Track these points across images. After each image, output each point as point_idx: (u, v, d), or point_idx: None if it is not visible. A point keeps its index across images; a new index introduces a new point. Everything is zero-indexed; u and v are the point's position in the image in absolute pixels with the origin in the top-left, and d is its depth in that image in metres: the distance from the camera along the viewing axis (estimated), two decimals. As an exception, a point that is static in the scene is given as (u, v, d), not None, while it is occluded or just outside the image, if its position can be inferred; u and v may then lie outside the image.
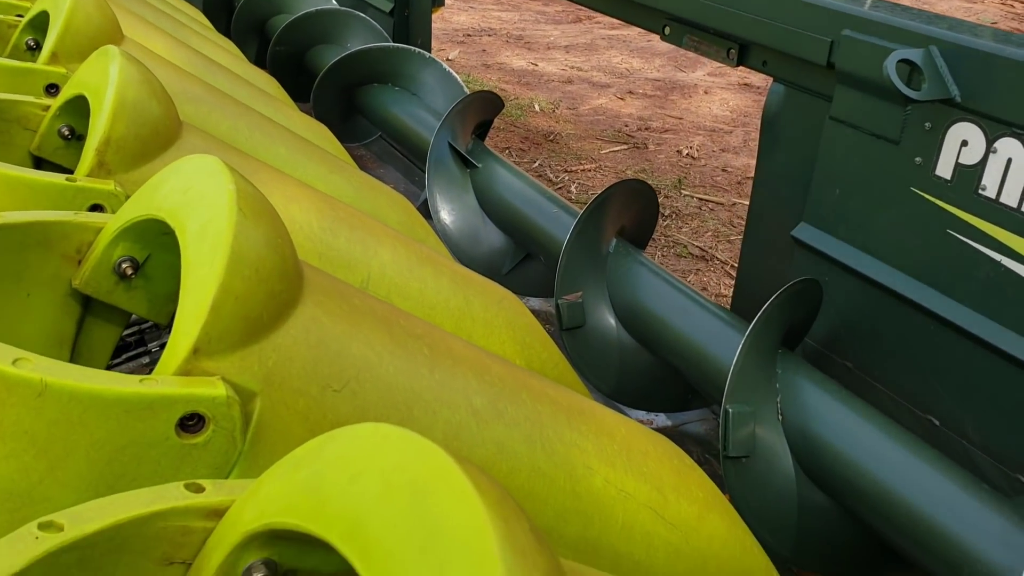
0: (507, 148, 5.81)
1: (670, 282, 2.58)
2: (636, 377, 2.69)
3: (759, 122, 2.62)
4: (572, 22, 9.09)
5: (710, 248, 4.79)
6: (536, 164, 5.63)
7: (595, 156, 5.86)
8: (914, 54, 1.97)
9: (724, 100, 7.01)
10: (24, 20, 1.97)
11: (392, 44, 4.09)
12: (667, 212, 5.11)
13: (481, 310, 1.77)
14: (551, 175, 5.49)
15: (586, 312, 2.63)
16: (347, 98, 4.04)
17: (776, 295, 2.04)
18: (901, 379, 2.15)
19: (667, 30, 2.82)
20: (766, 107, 2.59)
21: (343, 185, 2.16)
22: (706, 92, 7.18)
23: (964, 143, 1.96)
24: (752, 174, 2.81)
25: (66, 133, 1.56)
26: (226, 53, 3.20)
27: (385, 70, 3.93)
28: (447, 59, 7.70)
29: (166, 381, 0.87)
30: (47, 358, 0.84)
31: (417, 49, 3.99)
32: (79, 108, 1.52)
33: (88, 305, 1.19)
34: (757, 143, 2.64)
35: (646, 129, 6.38)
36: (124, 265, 1.12)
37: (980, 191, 1.93)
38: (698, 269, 4.62)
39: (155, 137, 1.45)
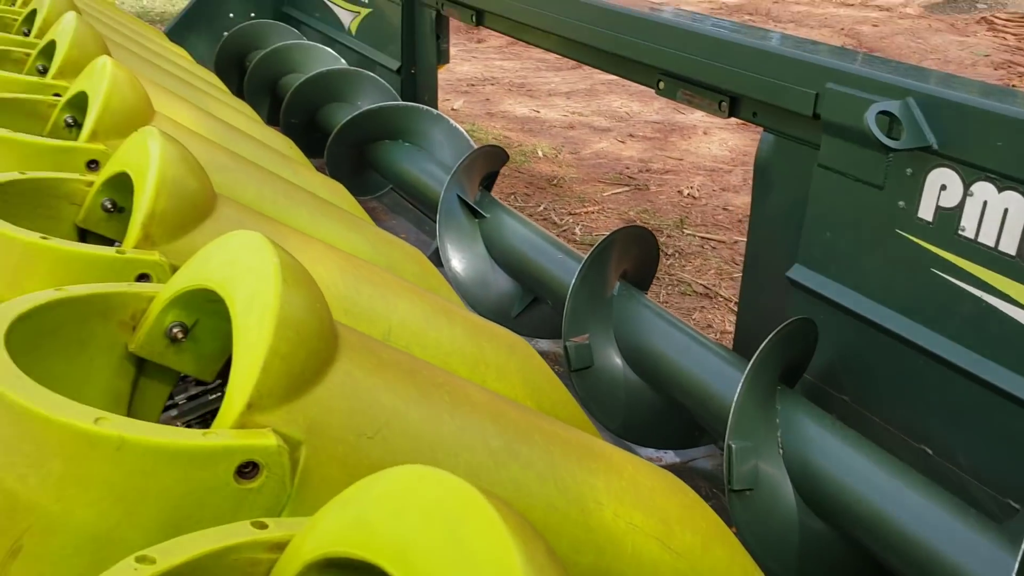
0: (512, 193, 5.97)
1: (672, 323, 2.70)
2: (643, 415, 2.80)
3: (757, 163, 2.74)
4: (572, 68, 9.29)
5: (713, 286, 4.91)
6: (541, 208, 5.78)
7: (598, 199, 6.00)
8: (893, 106, 2.10)
9: (723, 140, 7.17)
10: (63, 100, 2.12)
11: (401, 103, 4.27)
12: (670, 251, 5.24)
13: (494, 356, 1.89)
14: (556, 218, 5.64)
15: (593, 353, 2.75)
16: (359, 154, 4.21)
17: (771, 335, 2.16)
18: (894, 411, 2.26)
19: (661, 84, 2.97)
20: (758, 155, 2.73)
21: (361, 242, 2.29)
22: (705, 133, 7.35)
23: (943, 187, 2.09)
24: (752, 212, 2.92)
25: (109, 207, 1.70)
26: (243, 116, 3.36)
27: (395, 127, 4.11)
28: (452, 108, 7.90)
29: (224, 434, 0.99)
30: (122, 417, 0.97)
31: (425, 107, 4.17)
32: (121, 184, 1.67)
33: (141, 366, 1.32)
34: (752, 187, 2.77)
35: (647, 171, 6.54)
36: (175, 330, 1.25)
37: (960, 232, 2.06)
38: (703, 307, 4.74)
39: (194, 210, 1.59)
